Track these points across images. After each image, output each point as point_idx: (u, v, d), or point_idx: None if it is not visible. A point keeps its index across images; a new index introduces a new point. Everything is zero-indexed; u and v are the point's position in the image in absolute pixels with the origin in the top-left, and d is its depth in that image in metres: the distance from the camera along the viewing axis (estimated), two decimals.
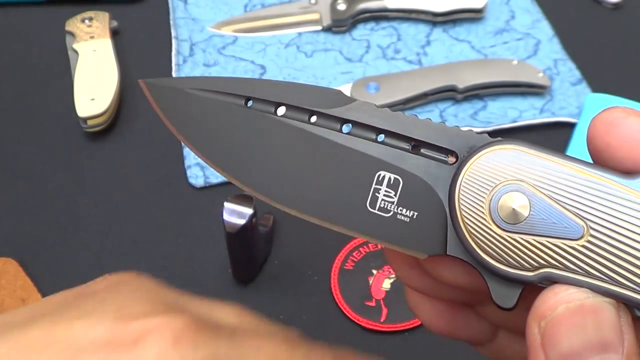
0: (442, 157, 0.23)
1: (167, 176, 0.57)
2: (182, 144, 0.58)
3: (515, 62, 0.63)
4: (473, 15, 0.68)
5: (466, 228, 0.22)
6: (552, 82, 0.62)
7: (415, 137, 0.23)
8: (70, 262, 0.52)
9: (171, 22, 0.69)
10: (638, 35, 0.68)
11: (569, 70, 0.64)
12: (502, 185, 0.21)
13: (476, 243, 0.21)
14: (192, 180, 0.56)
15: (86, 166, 0.58)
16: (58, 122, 0.61)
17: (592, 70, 0.64)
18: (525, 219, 0.21)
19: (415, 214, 0.23)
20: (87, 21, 0.66)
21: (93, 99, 0.59)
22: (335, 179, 0.24)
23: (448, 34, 0.68)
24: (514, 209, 0.21)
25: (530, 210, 0.21)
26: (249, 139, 0.25)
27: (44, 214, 0.55)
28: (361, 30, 0.69)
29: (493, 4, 0.70)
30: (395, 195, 0.23)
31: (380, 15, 0.69)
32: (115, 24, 0.68)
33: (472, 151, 0.22)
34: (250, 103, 0.25)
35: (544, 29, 0.68)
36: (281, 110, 0.25)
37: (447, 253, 0.22)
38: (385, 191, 0.23)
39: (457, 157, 0.23)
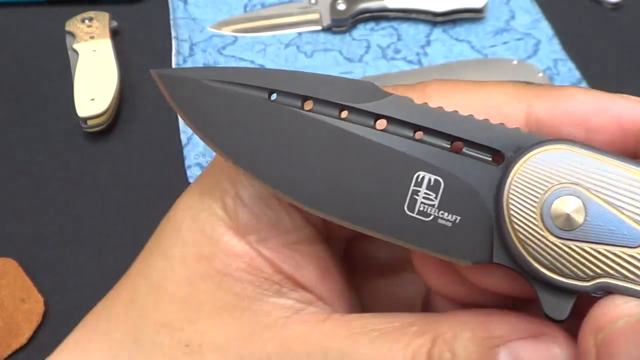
0: (486, 157, 0.21)
1: (167, 176, 0.57)
2: (182, 144, 0.58)
3: (515, 62, 0.63)
4: (473, 15, 0.68)
5: (516, 235, 0.20)
6: (552, 82, 0.62)
7: (457, 135, 0.22)
8: (70, 262, 0.52)
9: (171, 22, 0.69)
10: (638, 35, 0.68)
11: (569, 70, 0.64)
12: (555, 188, 0.20)
13: (527, 251, 0.20)
14: (192, 180, 0.56)
15: (86, 166, 0.58)
16: (58, 122, 0.61)
17: (592, 70, 0.64)
18: (580, 225, 0.20)
19: (458, 218, 0.21)
20: (87, 21, 0.66)
21: (93, 99, 0.59)
22: (370, 180, 0.22)
23: (448, 34, 0.68)
24: (568, 214, 0.20)
25: (585, 215, 0.20)
26: (273, 136, 0.23)
27: (44, 214, 0.55)
28: (361, 30, 0.69)
29: (493, 4, 0.70)
30: (436, 197, 0.21)
31: (380, 15, 0.69)
32: (115, 24, 0.67)
33: (521, 151, 0.21)
34: (274, 96, 0.23)
35: (544, 29, 0.68)
36: (308, 105, 0.23)
37: (493, 261, 0.21)
38: (425, 193, 0.21)
39: (503, 157, 0.21)
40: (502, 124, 0.21)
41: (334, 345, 0.22)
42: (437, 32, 0.68)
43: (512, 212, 0.20)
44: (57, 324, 0.49)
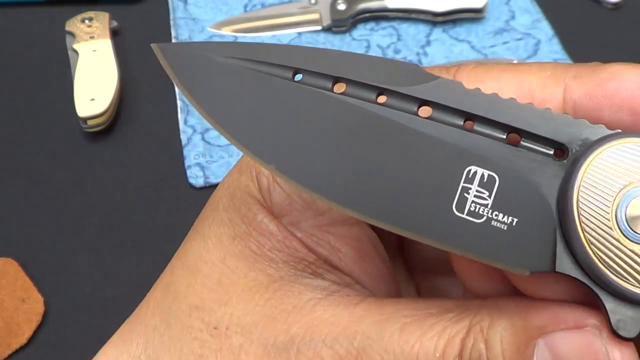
0: (547, 150, 0.19)
1: (167, 176, 0.57)
2: (182, 144, 0.58)
3: (515, 62, 0.63)
4: (473, 15, 0.68)
5: (587, 240, 0.18)
6: None
7: (515, 125, 0.19)
8: (70, 262, 0.52)
9: (171, 22, 0.69)
10: (638, 35, 0.68)
11: None
12: (630, 187, 0.18)
13: (599, 258, 0.18)
14: (192, 180, 0.56)
15: (86, 166, 0.58)
16: (58, 122, 0.61)
17: None
18: None
19: (515, 220, 0.18)
20: (87, 21, 0.66)
21: (93, 99, 0.59)
22: (412, 175, 0.19)
23: (448, 34, 0.68)
24: None
25: None
26: (298, 123, 0.20)
27: (44, 214, 0.55)
28: (361, 30, 0.69)
29: (493, 4, 0.70)
30: (489, 196, 0.19)
31: (380, 15, 0.69)
32: (115, 24, 0.67)
33: (590, 145, 0.18)
34: (299, 77, 0.20)
35: (544, 29, 0.68)
36: (340, 87, 0.20)
37: (556, 270, 0.18)
38: (477, 191, 0.19)
39: (566, 152, 0.19)
40: (565, 114, 0.19)
41: (361, 330, 0.21)
42: (437, 32, 0.68)
43: (582, 214, 0.18)
44: (57, 324, 0.49)
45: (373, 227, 0.24)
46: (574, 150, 0.19)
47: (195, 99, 0.20)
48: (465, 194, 0.19)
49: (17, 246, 0.52)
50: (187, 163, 0.57)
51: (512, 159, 0.19)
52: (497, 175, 0.19)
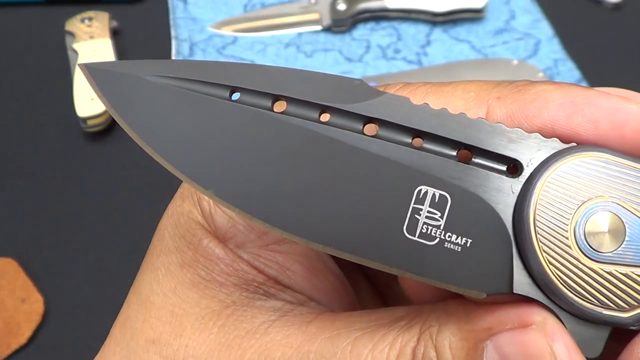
0: (500, 167, 0.18)
1: (167, 176, 0.57)
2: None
3: (515, 62, 0.63)
4: (473, 15, 0.68)
5: (545, 259, 0.17)
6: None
7: (466, 142, 0.18)
8: (70, 262, 0.52)
9: (171, 22, 0.69)
10: (638, 35, 0.68)
11: (569, 70, 0.64)
12: (588, 204, 0.17)
13: (558, 278, 0.17)
14: None
15: (86, 166, 0.58)
16: (58, 122, 0.61)
17: (592, 70, 0.64)
18: (620, 246, 0.17)
19: (469, 241, 0.18)
20: (86, 21, 0.66)
21: (93, 99, 0.59)
22: (360, 198, 0.18)
23: (448, 34, 0.68)
24: (606, 233, 0.17)
25: (625, 235, 0.17)
26: (235, 145, 0.19)
27: (44, 214, 0.55)
28: (361, 30, 0.68)
29: (493, 4, 0.70)
30: (441, 217, 0.18)
31: (380, 15, 0.69)
32: (115, 24, 0.67)
33: (545, 161, 0.18)
34: (236, 95, 0.19)
35: (544, 29, 0.68)
36: (280, 106, 0.19)
37: (514, 291, 0.18)
38: (428, 212, 0.18)
39: (520, 168, 0.18)
40: (518, 129, 0.18)
41: (314, 348, 0.20)
42: (437, 32, 0.68)
43: (539, 232, 0.17)
44: (57, 324, 0.49)
45: None
46: (528, 166, 0.18)
47: (127, 122, 0.19)
48: (417, 215, 0.18)
49: (17, 246, 0.52)
50: None
51: (464, 177, 0.18)
52: (449, 194, 0.18)
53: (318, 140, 0.18)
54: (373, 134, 0.18)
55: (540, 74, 0.61)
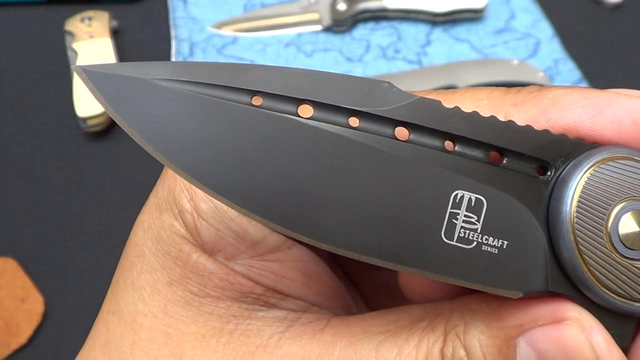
0: (530, 168, 0.18)
1: None
2: None
3: (515, 62, 0.63)
4: (473, 15, 0.68)
5: (582, 258, 0.18)
6: (552, 82, 0.62)
7: (498, 145, 0.18)
8: (70, 262, 0.52)
9: (171, 22, 0.69)
10: (638, 35, 0.68)
11: (569, 70, 0.64)
12: (622, 203, 0.18)
13: (594, 275, 0.18)
14: None
15: (86, 166, 0.58)
16: (58, 122, 0.61)
17: (592, 70, 0.64)
18: None
19: (506, 243, 0.18)
20: (86, 21, 0.66)
21: (93, 99, 0.59)
22: (396, 204, 0.18)
23: (448, 33, 0.68)
24: (638, 232, 0.18)
25: None
26: (260, 153, 0.17)
27: (44, 214, 0.55)
28: (361, 30, 0.68)
29: (493, 4, 0.70)
30: (478, 220, 0.18)
31: (380, 15, 0.69)
32: (115, 23, 0.67)
33: (578, 162, 0.18)
34: (257, 101, 0.18)
35: (544, 29, 0.68)
36: (305, 110, 0.18)
37: (550, 289, 0.18)
38: (465, 216, 0.18)
39: (549, 169, 0.18)
40: (546, 130, 0.19)
41: (335, 357, 0.20)
42: (437, 32, 0.68)
43: (577, 231, 0.18)
44: (57, 324, 0.49)
45: (311, 247, 0.23)
46: (557, 167, 0.18)
47: (139, 132, 0.17)
48: (454, 220, 0.18)
49: (17, 246, 0.52)
50: None
51: (497, 180, 0.18)
52: (484, 198, 0.18)
53: (350, 146, 0.18)
54: (405, 138, 0.18)
55: (541, 74, 0.61)
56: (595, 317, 0.18)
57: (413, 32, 0.68)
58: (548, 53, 0.66)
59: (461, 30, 0.68)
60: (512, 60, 0.63)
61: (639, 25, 0.69)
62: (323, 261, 0.24)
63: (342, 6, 0.68)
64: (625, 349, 0.19)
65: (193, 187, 0.21)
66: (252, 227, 0.22)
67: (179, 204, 0.22)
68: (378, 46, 0.67)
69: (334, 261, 0.26)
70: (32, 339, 0.48)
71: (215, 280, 0.21)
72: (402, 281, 0.22)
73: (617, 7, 0.70)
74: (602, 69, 0.65)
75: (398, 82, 0.67)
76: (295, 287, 0.22)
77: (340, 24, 0.68)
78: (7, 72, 0.66)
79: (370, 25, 0.69)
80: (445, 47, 0.67)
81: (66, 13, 0.67)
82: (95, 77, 0.18)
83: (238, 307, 0.22)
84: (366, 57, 0.66)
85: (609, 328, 0.18)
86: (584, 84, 0.63)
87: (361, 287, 0.27)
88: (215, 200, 0.21)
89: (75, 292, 0.50)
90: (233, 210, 0.21)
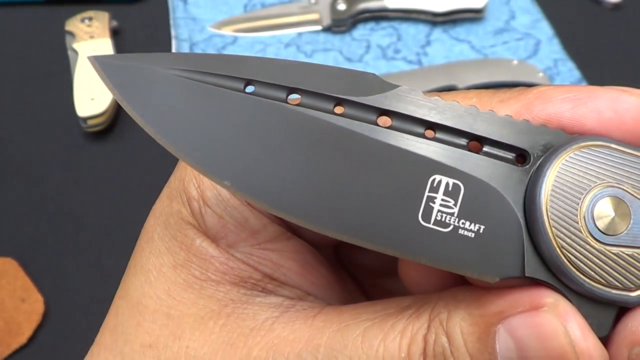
0: (509, 156, 0.19)
1: (168, 176, 0.57)
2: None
3: (515, 62, 0.63)
4: (473, 15, 0.68)
5: (558, 243, 0.18)
6: (552, 82, 0.62)
7: (478, 133, 0.19)
8: (70, 262, 0.52)
9: (171, 22, 0.69)
10: (638, 35, 0.68)
11: (569, 70, 0.64)
12: (596, 189, 0.18)
13: (570, 260, 0.18)
14: None
15: (86, 166, 0.58)
16: (58, 122, 0.61)
17: (592, 70, 0.64)
18: (627, 229, 0.18)
19: (482, 227, 0.18)
20: (86, 21, 0.66)
21: (93, 99, 0.59)
22: (375, 186, 0.18)
23: (448, 34, 0.68)
24: (613, 218, 0.18)
25: (631, 218, 0.18)
26: (252, 136, 0.19)
27: (44, 214, 0.55)
28: (361, 30, 0.68)
29: (493, 4, 0.70)
30: (455, 204, 0.18)
31: (380, 15, 0.69)
32: (115, 23, 0.68)
33: (554, 150, 0.18)
34: (250, 88, 0.19)
35: (544, 29, 0.68)
36: (295, 98, 0.19)
37: (526, 274, 0.18)
38: (443, 200, 0.18)
39: (528, 158, 0.19)
40: (526, 120, 0.19)
41: (323, 342, 0.20)
42: (437, 32, 0.68)
43: (552, 218, 0.18)
44: (57, 324, 0.49)
45: (308, 239, 0.24)
46: (535, 156, 0.19)
47: (140, 115, 0.19)
48: (431, 204, 0.18)
49: (17, 246, 0.52)
50: None
51: (475, 167, 0.19)
52: (462, 183, 0.19)
53: (333, 131, 0.19)
54: (387, 125, 0.19)
55: (540, 74, 0.61)
56: (574, 304, 0.18)
57: (413, 32, 0.68)
58: (548, 53, 0.66)
59: (461, 31, 0.68)
60: (512, 60, 0.63)
61: (638, 25, 0.69)
62: (322, 255, 0.25)
63: (342, 6, 0.68)
64: (606, 338, 0.18)
65: (201, 176, 0.22)
66: (253, 216, 0.23)
67: (187, 191, 0.23)
68: (378, 46, 0.67)
69: (336, 260, 0.27)
70: (32, 339, 0.48)
71: (216, 264, 0.22)
72: (402, 270, 0.22)
73: (616, 7, 0.70)
74: (601, 69, 0.65)
75: (398, 82, 0.67)
76: (291, 276, 0.23)
77: (340, 24, 0.68)
78: (7, 72, 0.66)
79: (370, 25, 0.69)
80: (445, 47, 0.67)
81: (66, 13, 0.67)
82: (106, 66, 0.19)
83: (237, 291, 0.22)
84: (366, 57, 0.66)
85: (587, 316, 0.18)
86: (584, 84, 0.63)
87: (365, 289, 0.28)
88: (220, 188, 0.22)
89: (75, 292, 0.50)
90: (235, 199, 0.22)
